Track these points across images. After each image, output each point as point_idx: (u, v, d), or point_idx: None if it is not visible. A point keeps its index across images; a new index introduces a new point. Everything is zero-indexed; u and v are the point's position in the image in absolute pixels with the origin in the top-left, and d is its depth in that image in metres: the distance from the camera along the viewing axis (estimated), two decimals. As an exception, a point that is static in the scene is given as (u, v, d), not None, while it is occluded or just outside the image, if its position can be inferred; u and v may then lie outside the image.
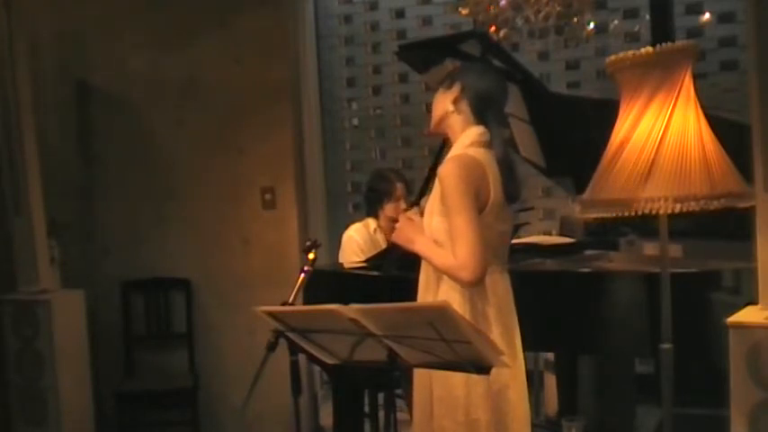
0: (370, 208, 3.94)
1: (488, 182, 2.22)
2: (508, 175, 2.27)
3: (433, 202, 2.29)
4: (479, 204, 2.20)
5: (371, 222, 3.91)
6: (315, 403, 4.56)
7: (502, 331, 2.22)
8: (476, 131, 2.30)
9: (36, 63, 4.29)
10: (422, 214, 2.35)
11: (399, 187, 3.85)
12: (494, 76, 2.42)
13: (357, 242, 3.84)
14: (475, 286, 2.18)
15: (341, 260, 3.87)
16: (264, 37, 4.37)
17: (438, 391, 2.24)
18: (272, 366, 2.15)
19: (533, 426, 2.39)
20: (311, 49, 4.98)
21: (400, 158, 5.20)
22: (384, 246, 3.75)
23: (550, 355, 4.17)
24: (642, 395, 3.97)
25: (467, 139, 2.30)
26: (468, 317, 2.13)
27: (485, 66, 2.86)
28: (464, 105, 2.33)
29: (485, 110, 2.32)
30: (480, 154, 2.26)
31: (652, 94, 2.15)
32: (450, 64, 3.15)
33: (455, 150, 2.32)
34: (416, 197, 3.29)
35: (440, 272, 2.26)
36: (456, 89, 2.35)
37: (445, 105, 2.36)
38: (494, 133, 2.30)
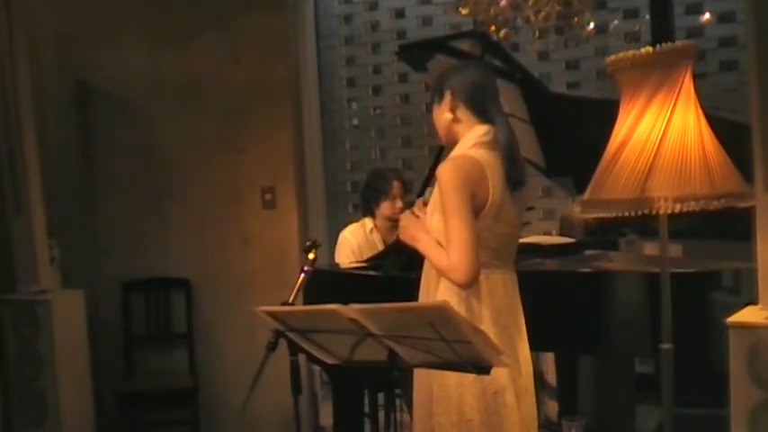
0: (366, 206, 3.90)
1: (487, 183, 2.20)
2: (510, 160, 2.25)
3: (434, 201, 2.27)
4: (476, 206, 2.18)
5: (368, 222, 3.89)
6: (315, 403, 4.55)
7: (498, 332, 2.19)
8: (478, 132, 2.28)
9: (36, 63, 4.29)
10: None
11: (396, 185, 3.78)
12: (474, 68, 2.42)
13: (350, 244, 3.81)
14: (467, 288, 2.17)
15: (336, 260, 3.86)
16: (264, 37, 4.37)
17: (436, 390, 2.24)
18: (272, 366, 2.15)
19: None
20: (311, 49, 4.98)
21: (400, 158, 5.20)
22: (380, 245, 3.75)
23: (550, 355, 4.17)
24: (642, 395, 3.97)
25: (469, 141, 2.28)
26: None
27: (461, 63, 2.87)
28: (461, 109, 2.31)
29: (481, 102, 2.30)
30: (481, 155, 2.23)
31: (652, 94, 2.15)
32: (440, 63, 3.16)
33: (457, 151, 2.30)
34: (417, 197, 3.28)
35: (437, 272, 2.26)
36: (447, 97, 2.33)
37: (444, 117, 2.34)
38: (497, 121, 2.28)
